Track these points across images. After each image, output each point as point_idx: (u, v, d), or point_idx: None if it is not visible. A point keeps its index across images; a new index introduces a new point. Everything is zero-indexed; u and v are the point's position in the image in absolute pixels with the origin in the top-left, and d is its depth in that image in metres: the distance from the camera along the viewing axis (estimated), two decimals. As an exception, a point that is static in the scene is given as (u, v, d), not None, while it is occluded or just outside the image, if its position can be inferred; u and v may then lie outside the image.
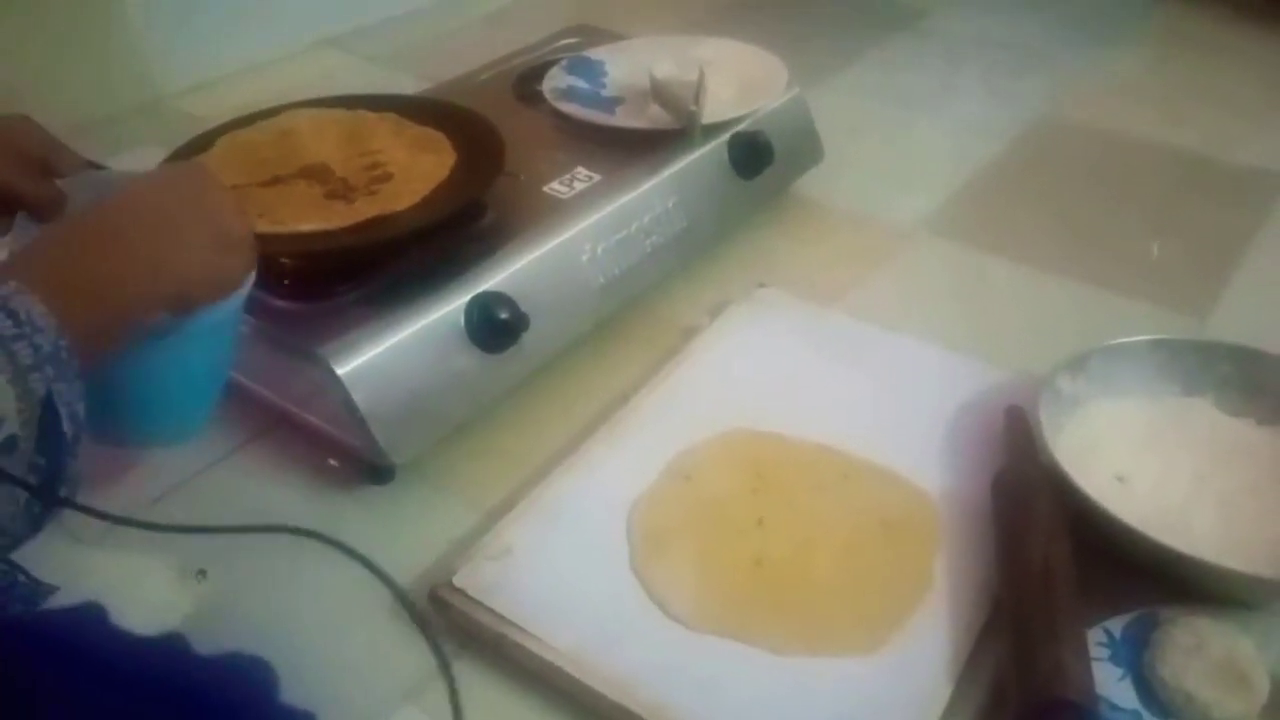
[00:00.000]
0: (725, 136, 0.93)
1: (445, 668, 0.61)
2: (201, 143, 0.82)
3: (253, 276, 0.57)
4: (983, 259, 0.98)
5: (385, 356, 0.69)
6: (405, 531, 0.71)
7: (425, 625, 0.64)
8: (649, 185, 0.87)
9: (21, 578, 0.52)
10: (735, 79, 0.97)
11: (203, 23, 1.29)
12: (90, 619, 0.42)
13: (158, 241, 0.51)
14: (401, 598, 0.65)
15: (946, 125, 1.23)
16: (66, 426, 0.42)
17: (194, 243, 0.53)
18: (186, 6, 1.27)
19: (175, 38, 1.28)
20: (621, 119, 0.94)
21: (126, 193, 0.52)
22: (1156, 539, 0.60)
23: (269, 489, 0.74)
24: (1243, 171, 1.12)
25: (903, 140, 1.20)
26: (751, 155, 0.94)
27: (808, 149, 1.04)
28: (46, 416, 0.41)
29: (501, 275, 0.76)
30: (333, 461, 0.75)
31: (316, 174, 0.79)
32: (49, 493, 0.42)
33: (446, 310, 0.72)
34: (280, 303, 0.72)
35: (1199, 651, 0.57)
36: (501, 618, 0.61)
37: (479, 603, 0.62)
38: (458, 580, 0.63)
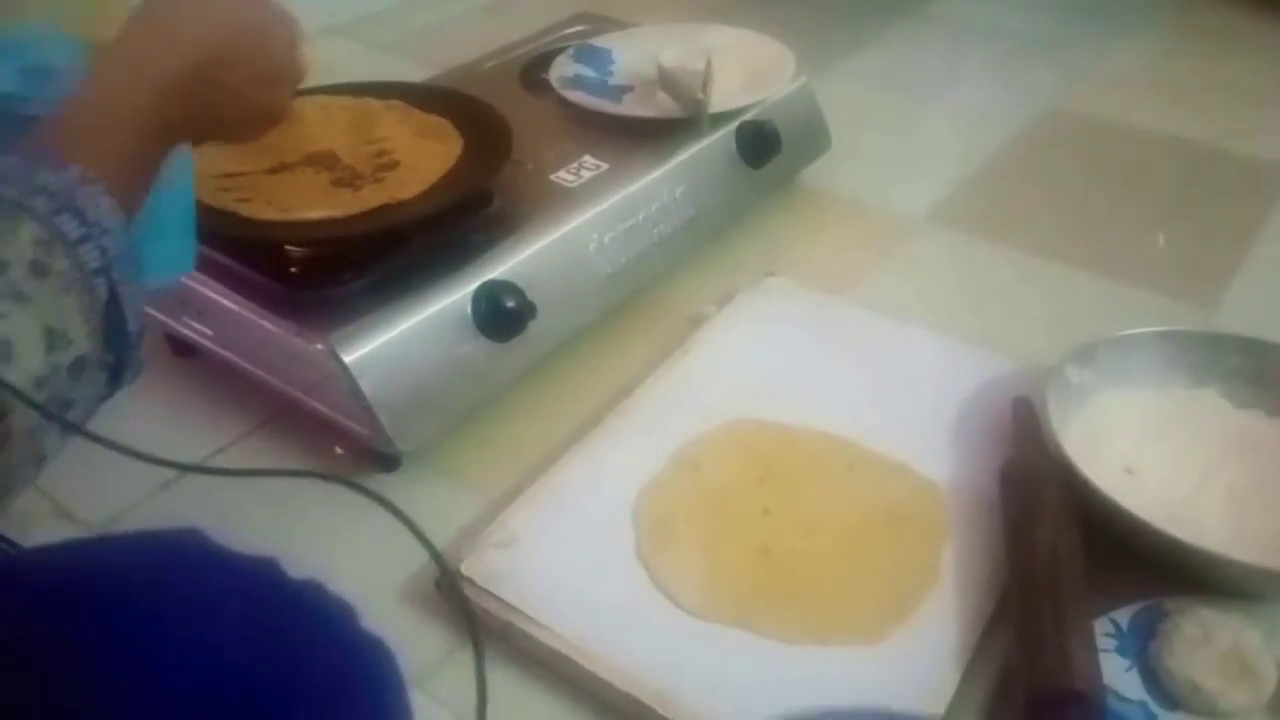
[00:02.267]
0: (733, 125, 0.93)
1: (477, 645, 0.59)
2: None
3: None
4: (991, 249, 0.98)
5: (392, 345, 0.69)
6: (411, 519, 0.71)
7: (455, 599, 0.63)
8: (656, 174, 0.87)
9: (4, 545, 0.52)
10: (743, 67, 0.97)
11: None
12: (188, 541, 0.42)
13: (210, 76, 0.50)
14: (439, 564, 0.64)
15: (954, 114, 1.22)
16: (131, 325, 0.43)
17: (242, 79, 0.52)
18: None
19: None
20: (629, 107, 0.93)
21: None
22: (1164, 530, 0.60)
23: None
24: (1251, 162, 1.11)
25: (910, 129, 1.20)
26: (759, 144, 0.94)
27: (815, 138, 1.03)
28: (112, 316, 0.41)
29: (508, 264, 0.75)
30: (339, 449, 0.75)
31: (323, 161, 0.79)
32: (114, 382, 0.43)
33: (453, 299, 0.72)
34: (287, 290, 0.72)
35: (1206, 642, 0.57)
36: (508, 605, 0.62)
37: (486, 590, 0.62)
38: (465, 568, 0.63)
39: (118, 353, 0.42)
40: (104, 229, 0.42)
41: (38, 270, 0.38)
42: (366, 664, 0.40)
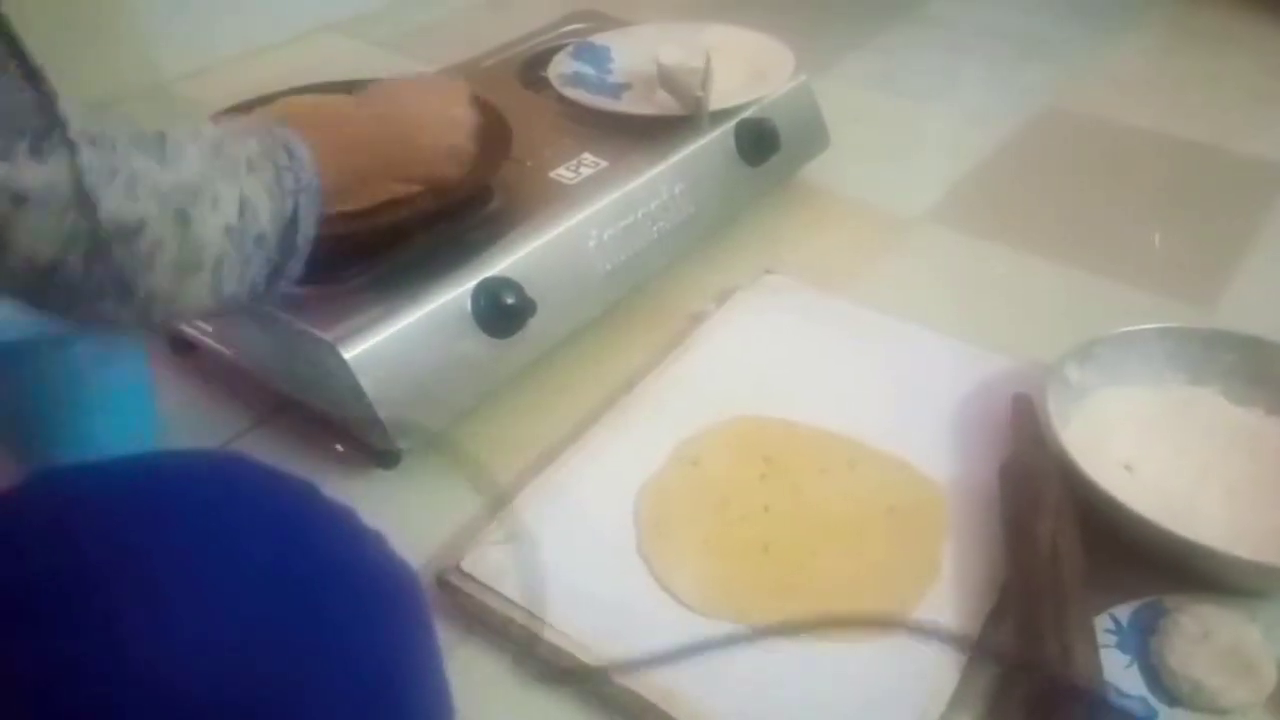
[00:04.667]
0: (732, 123, 0.93)
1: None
2: (245, 109, 0.81)
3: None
4: (989, 247, 0.98)
5: (392, 341, 0.69)
6: (412, 516, 0.71)
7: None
8: (655, 171, 0.87)
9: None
10: (742, 66, 0.97)
11: (204, 6, 1.29)
12: (237, 461, 0.47)
13: (402, 133, 0.69)
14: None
15: (951, 113, 1.22)
16: (300, 241, 0.55)
17: (428, 144, 0.70)
18: (190, -10, 1.26)
19: (176, 21, 1.27)
20: (628, 105, 0.93)
21: (391, 86, 0.72)
22: (1164, 527, 0.60)
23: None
24: (1248, 161, 1.11)
25: (909, 128, 1.20)
26: (758, 142, 0.94)
27: (814, 136, 1.03)
28: (289, 230, 0.54)
29: (508, 261, 0.75)
30: (339, 446, 0.75)
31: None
32: (277, 275, 0.55)
33: (453, 295, 0.72)
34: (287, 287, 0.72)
35: (1206, 639, 0.58)
36: (509, 602, 0.61)
37: (487, 587, 0.62)
38: (465, 565, 0.63)
39: (285, 257, 0.55)
40: (303, 165, 0.55)
41: (250, 165, 0.52)
42: (398, 579, 0.44)
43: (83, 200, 0.44)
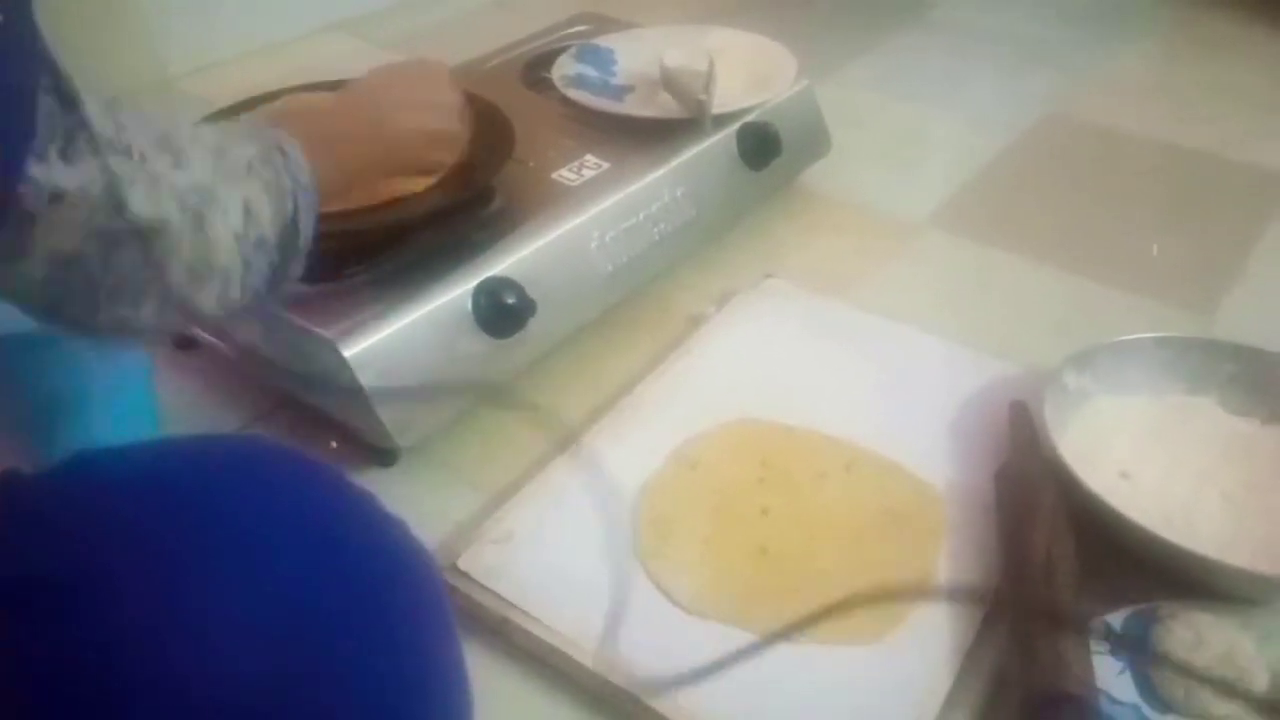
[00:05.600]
0: (734, 127, 0.93)
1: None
2: (242, 108, 0.81)
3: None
4: (989, 253, 0.98)
5: (392, 340, 0.69)
6: (409, 515, 0.70)
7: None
8: (658, 174, 0.87)
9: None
10: (745, 70, 0.97)
11: (212, 4, 1.29)
12: (259, 444, 0.48)
13: (383, 121, 0.68)
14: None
15: (954, 119, 1.23)
16: (300, 240, 0.56)
17: (413, 128, 0.70)
18: (196, -11, 1.27)
19: (184, 18, 1.28)
20: (631, 107, 0.94)
21: (370, 78, 0.72)
22: (1159, 534, 0.60)
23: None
24: (1250, 170, 1.11)
25: (911, 134, 1.20)
26: (760, 146, 0.94)
27: (815, 141, 1.04)
28: (290, 230, 0.55)
29: (509, 261, 0.76)
30: (333, 443, 0.75)
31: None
32: (279, 277, 0.57)
33: (454, 295, 0.72)
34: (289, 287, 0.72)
35: (1198, 647, 0.58)
36: (505, 601, 0.62)
37: (483, 586, 0.62)
38: (462, 563, 0.63)
39: (286, 258, 0.56)
40: (298, 165, 0.56)
41: (249, 168, 0.53)
42: (422, 566, 0.45)
43: (113, 201, 0.45)
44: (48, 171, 0.42)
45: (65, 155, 0.43)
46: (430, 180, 0.75)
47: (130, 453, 0.42)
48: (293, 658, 0.37)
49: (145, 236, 0.46)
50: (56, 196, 0.43)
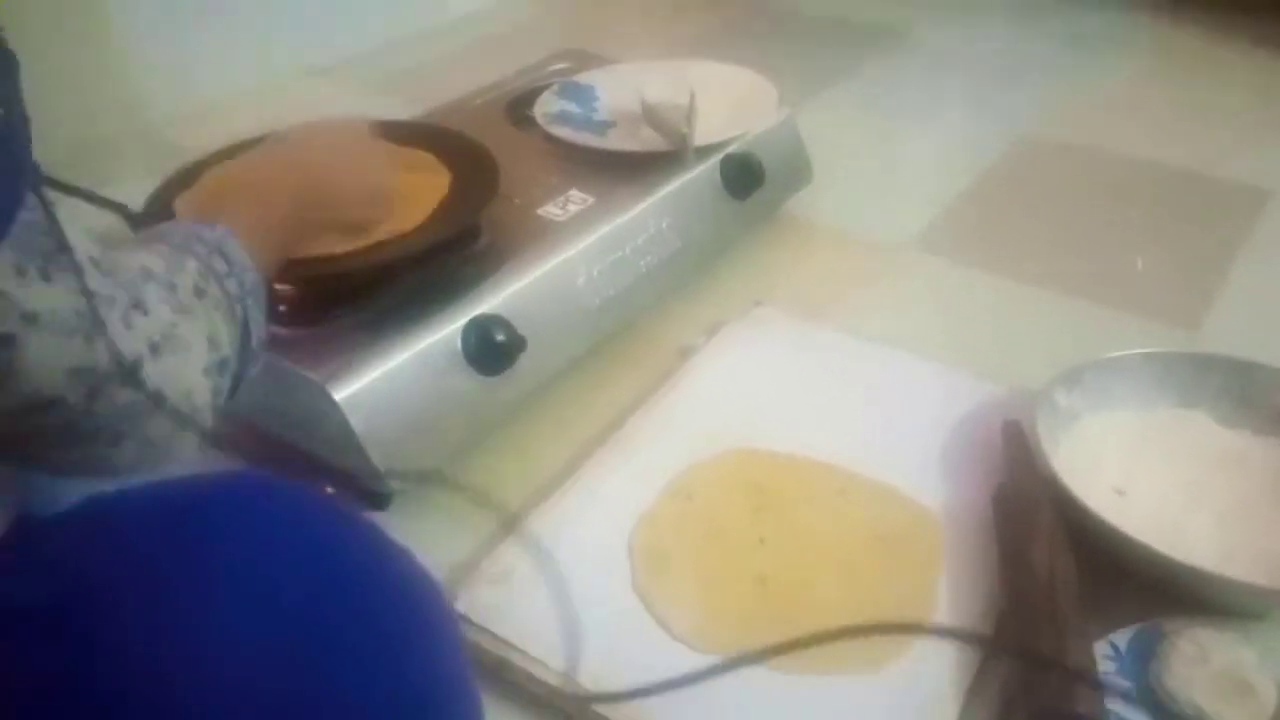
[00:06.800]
0: (717, 158, 0.94)
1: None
2: (188, 175, 0.79)
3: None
4: (975, 274, 0.99)
5: (382, 381, 0.69)
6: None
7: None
8: (642, 207, 0.87)
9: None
10: (726, 101, 0.98)
11: (191, 51, 1.30)
12: (257, 480, 0.49)
13: (320, 177, 0.67)
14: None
15: (934, 142, 1.24)
16: (254, 343, 0.55)
17: (351, 184, 0.69)
18: (175, 34, 1.27)
19: (163, 66, 1.28)
20: (614, 142, 0.94)
21: (293, 134, 0.70)
22: (1156, 549, 0.60)
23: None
24: (1229, 185, 1.13)
25: (892, 158, 1.21)
26: (743, 176, 0.95)
27: (798, 169, 1.04)
28: (244, 337, 0.54)
29: (498, 298, 0.76)
30: (329, 489, 0.75)
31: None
32: (238, 384, 0.54)
33: (443, 333, 0.72)
34: (276, 328, 0.71)
35: (1203, 662, 0.57)
36: (503, 641, 0.61)
37: (481, 627, 0.62)
38: (459, 606, 0.63)
39: (244, 365, 0.54)
40: (244, 268, 0.54)
41: (198, 292, 0.51)
42: (430, 594, 0.46)
43: (90, 326, 0.42)
44: (24, 288, 0.39)
45: (45, 275, 0.40)
46: (361, 241, 0.73)
47: (133, 493, 0.43)
48: (295, 678, 0.37)
49: (125, 374, 0.43)
50: (30, 317, 0.40)
